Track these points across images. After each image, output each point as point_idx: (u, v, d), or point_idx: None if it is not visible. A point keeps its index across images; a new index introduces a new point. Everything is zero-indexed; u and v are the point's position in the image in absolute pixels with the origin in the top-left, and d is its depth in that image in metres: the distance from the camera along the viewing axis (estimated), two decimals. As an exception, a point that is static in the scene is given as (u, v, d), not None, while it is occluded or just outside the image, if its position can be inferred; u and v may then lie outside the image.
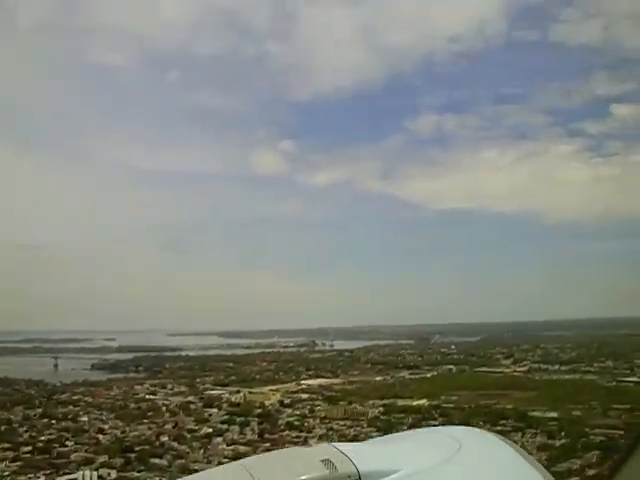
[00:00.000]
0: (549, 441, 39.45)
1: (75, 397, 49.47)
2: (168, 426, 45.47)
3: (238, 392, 51.92)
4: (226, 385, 56.05)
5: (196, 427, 45.36)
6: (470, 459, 2.91)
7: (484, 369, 57.90)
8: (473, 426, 3.35)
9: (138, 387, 54.73)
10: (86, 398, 50.09)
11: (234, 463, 2.81)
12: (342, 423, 44.92)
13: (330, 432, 42.78)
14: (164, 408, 48.56)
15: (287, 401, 49.83)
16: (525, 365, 57.89)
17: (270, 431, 44.56)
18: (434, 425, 4.45)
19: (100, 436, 42.98)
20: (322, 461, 2.76)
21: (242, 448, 39.90)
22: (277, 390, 51.98)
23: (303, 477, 2.64)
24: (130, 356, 68.67)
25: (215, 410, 48.33)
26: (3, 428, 43.67)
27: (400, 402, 48.70)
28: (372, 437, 3.67)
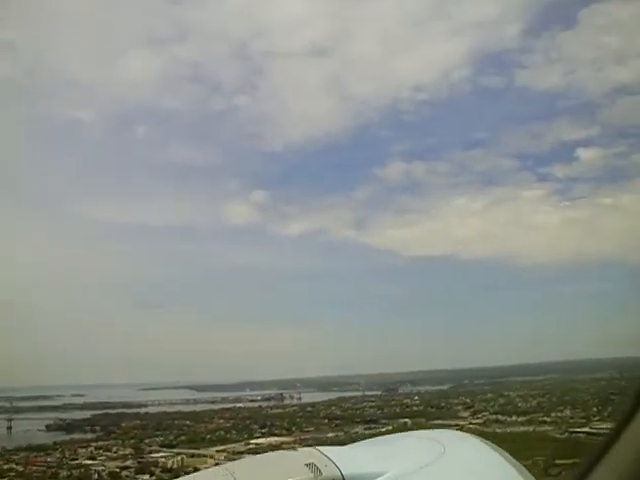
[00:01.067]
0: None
1: (6, 466, 45.55)
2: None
3: (178, 455, 49.53)
4: (174, 447, 53.37)
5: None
6: (454, 462, 2.92)
7: (439, 422, 57.47)
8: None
9: (82, 450, 51.39)
10: (18, 466, 46.47)
11: (218, 467, 2.73)
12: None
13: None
14: (96, 476, 45.48)
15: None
16: (483, 417, 57.72)
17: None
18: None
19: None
20: (306, 465, 2.72)
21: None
22: (224, 450, 49.73)
23: None
24: (89, 414, 65.14)
25: (147, 477, 45.61)
26: None
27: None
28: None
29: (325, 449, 2.84)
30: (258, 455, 2.96)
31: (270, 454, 2.97)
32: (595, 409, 49.84)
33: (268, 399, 70.77)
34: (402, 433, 3.39)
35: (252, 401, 71.20)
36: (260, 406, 68.97)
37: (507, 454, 2.98)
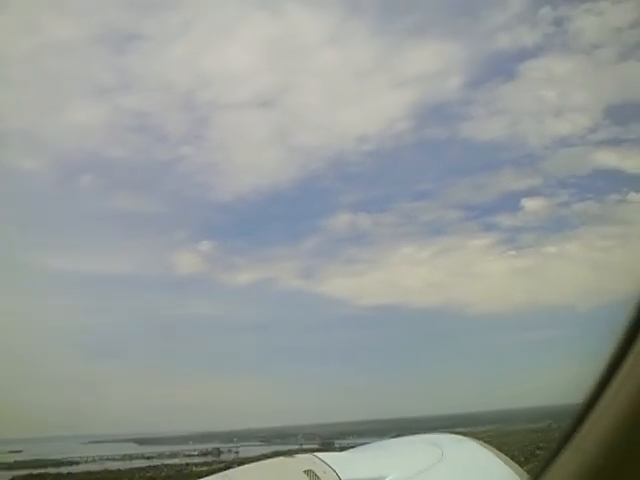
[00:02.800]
0: None
1: None
2: None
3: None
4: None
5: None
6: (453, 465, 2.95)
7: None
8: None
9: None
10: None
11: (218, 475, 2.77)
12: None
13: None
14: None
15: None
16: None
17: None
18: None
19: None
20: (305, 472, 2.75)
21: None
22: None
23: None
24: (9, 475, 61.72)
25: None
26: None
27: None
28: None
29: (324, 455, 2.87)
30: (257, 462, 3.00)
31: (269, 461, 3.00)
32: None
33: (205, 454, 69.00)
34: (400, 438, 3.42)
35: (189, 456, 69.12)
36: (187, 463, 66.39)
37: (505, 457, 3.01)
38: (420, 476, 2.84)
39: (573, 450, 1.04)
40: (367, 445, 3.36)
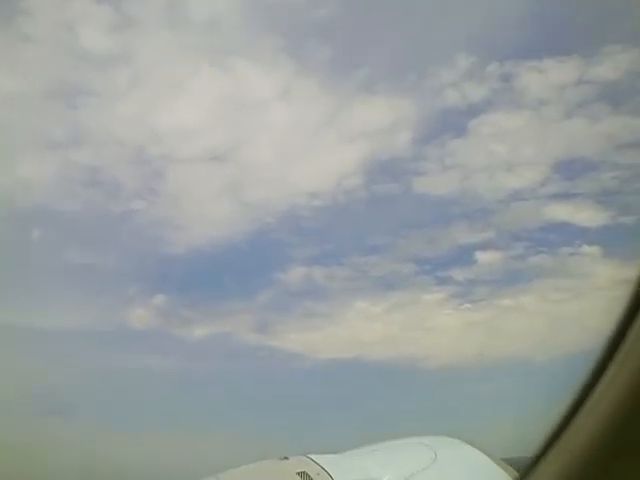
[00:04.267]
0: None
1: None
2: None
3: None
4: None
5: None
6: (446, 468, 2.95)
7: None
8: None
9: None
10: None
11: (210, 477, 2.76)
12: None
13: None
14: None
15: None
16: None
17: None
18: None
19: None
20: (298, 474, 2.75)
21: None
22: None
23: None
24: None
25: None
26: None
27: None
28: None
29: (317, 457, 2.87)
30: (250, 464, 3.00)
31: (262, 463, 3.00)
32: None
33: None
34: (394, 441, 3.42)
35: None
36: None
37: (497, 459, 3.01)
38: (414, 478, 2.85)
39: (560, 450, 1.05)
40: (361, 448, 3.36)
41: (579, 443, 1.03)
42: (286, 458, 2.93)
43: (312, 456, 2.87)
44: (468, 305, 11.04)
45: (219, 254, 12.22)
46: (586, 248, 10.26)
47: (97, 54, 11.33)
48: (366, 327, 11.28)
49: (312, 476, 2.71)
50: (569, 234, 10.63)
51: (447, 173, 11.57)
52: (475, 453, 3.02)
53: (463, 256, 11.31)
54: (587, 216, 10.35)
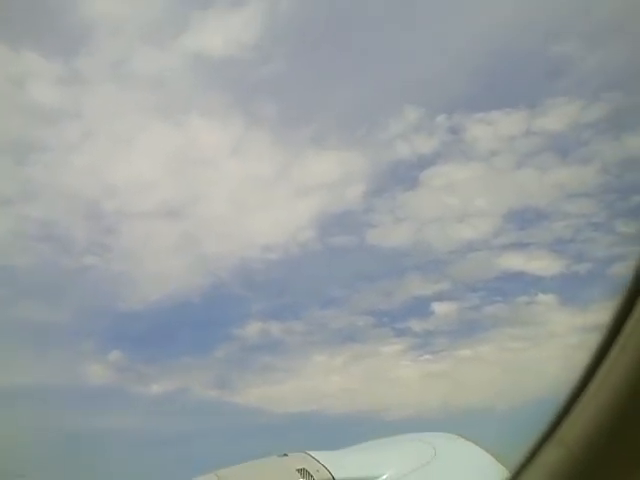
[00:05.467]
0: None
1: None
2: None
3: None
4: None
5: None
6: (446, 463, 2.95)
7: None
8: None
9: None
10: None
11: (210, 474, 2.77)
12: None
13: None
14: None
15: None
16: None
17: None
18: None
19: None
20: (298, 470, 2.75)
21: None
22: None
23: None
24: None
25: None
26: None
27: None
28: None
29: (317, 454, 2.86)
30: (250, 461, 3.00)
31: (262, 460, 3.00)
32: None
33: None
34: (393, 437, 3.42)
35: None
36: None
37: (497, 454, 3.01)
38: (414, 474, 2.84)
39: (555, 444, 1.04)
40: (360, 445, 3.36)
41: (574, 436, 1.03)
42: (285, 455, 2.93)
43: (312, 453, 2.87)
44: (427, 356, 11.06)
45: (175, 309, 12.17)
46: (542, 297, 10.37)
47: (47, 109, 11.37)
48: (325, 380, 11.27)
49: (312, 473, 2.71)
50: (524, 283, 10.73)
51: (400, 225, 11.64)
52: (474, 449, 3.02)
53: (420, 307, 11.32)
54: (541, 265, 10.48)
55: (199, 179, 12.61)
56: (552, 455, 1.05)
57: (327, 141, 12.42)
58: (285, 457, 2.90)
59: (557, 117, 10.59)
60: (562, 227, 10.60)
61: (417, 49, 11.28)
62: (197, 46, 11.22)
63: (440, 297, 11.10)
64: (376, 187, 11.94)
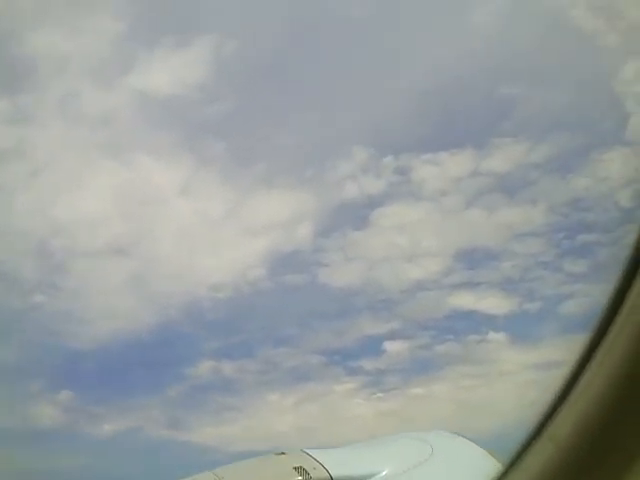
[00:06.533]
0: None
1: None
2: None
3: None
4: None
5: None
6: (443, 461, 2.96)
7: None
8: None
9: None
10: None
11: (206, 472, 2.78)
12: None
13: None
14: None
15: None
16: None
17: None
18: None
19: None
20: (295, 468, 2.76)
21: None
22: None
23: None
24: None
25: None
26: None
27: None
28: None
29: (313, 451, 2.87)
30: (247, 459, 3.00)
31: (259, 458, 3.00)
32: None
33: None
34: (390, 435, 3.43)
35: None
36: None
37: (494, 452, 3.02)
38: (411, 472, 2.85)
39: (547, 438, 1.05)
40: (357, 443, 3.37)
41: (564, 433, 1.04)
42: (283, 453, 2.94)
43: (308, 450, 2.88)
44: (380, 394, 11.07)
45: (125, 348, 12.07)
46: (493, 335, 10.45)
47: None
48: (279, 419, 11.24)
49: (309, 470, 2.72)
50: (475, 322, 10.79)
51: (351, 264, 11.70)
52: (471, 446, 3.03)
53: (371, 346, 11.34)
54: (492, 304, 10.56)
55: (148, 217, 12.60)
56: (544, 450, 1.06)
57: (276, 181, 12.46)
58: (282, 455, 2.91)
59: (504, 158, 10.70)
60: (511, 266, 10.72)
61: (365, 90, 11.35)
62: (144, 85, 11.19)
63: (392, 336, 11.17)
64: (326, 226, 11.97)
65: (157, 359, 12.53)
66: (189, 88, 11.26)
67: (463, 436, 3.18)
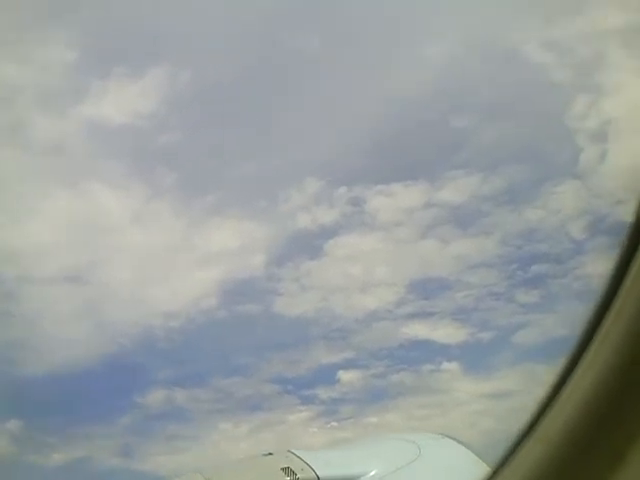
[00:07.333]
0: None
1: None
2: None
3: None
4: None
5: None
6: (431, 462, 2.95)
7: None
8: None
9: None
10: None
11: (193, 473, 2.75)
12: None
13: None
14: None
15: None
16: None
17: None
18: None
19: None
20: (282, 469, 2.74)
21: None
22: None
23: None
24: None
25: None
26: None
27: None
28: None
29: (301, 453, 2.85)
30: (234, 460, 2.98)
31: (246, 458, 2.98)
32: None
33: None
34: (378, 436, 3.42)
35: None
36: None
37: (481, 453, 3.02)
38: (398, 473, 2.84)
39: (536, 439, 1.04)
40: (345, 443, 3.36)
41: (555, 432, 1.03)
42: (270, 454, 2.92)
43: (296, 451, 2.86)
44: (334, 423, 11.11)
45: (76, 376, 11.96)
46: (446, 364, 10.58)
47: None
48: (232, 448, 11.23)
49: (296, 471, 2.71)
50: (429, 351, 10.90)
51: (305, 294, 11.78)
52: (458, 447, 3.03)
53: (326, 375, 11.39)
54: (445, 334, 10.70)
55: (101, 246, 12.53)
56: (533, 451, 1.05)
57: (228, 211, 12.45)
58: (270, 456, 2.89)
59: (457, 190, 10.81)
60: (464, 296, 10.83)
61: (318, 122, 11.39)
62: (96, 114, 11.08)
63: (346, 365, 11.20)
64: (280, 256, 11.98)
65: (109, 387, 12.44)
66: (141, 118, 11.22)
67: (451, 438, 3.18)
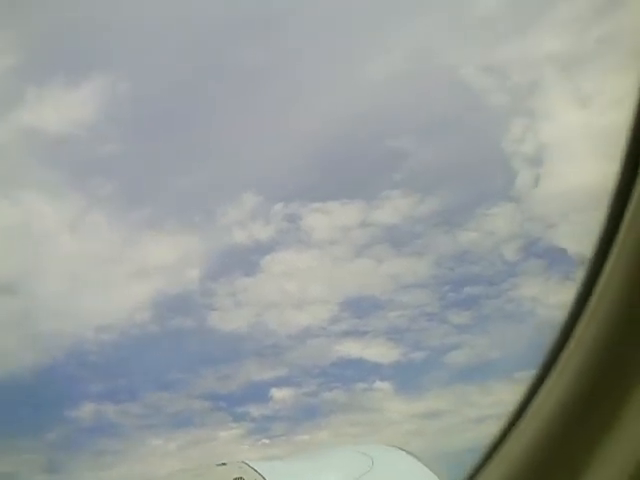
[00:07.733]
0: None
1: None
2: None
3: None
4: None
5: None
6: (383, 474, 2.98)
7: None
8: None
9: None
10: None
11: (145, 482, 2.69)
12: None
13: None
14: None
15: None
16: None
17: None
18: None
19: None
20: (235, 479, 2.72)
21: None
22: None
23: None
24: None
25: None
26: None
27: None
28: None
29: (255, 463, 2.83)
30: (187, 468, 2.93)
31: (199, 467, 2.94)
32: None
33: None
34: (331, 448, 3.43)
35: None
36: None
37: (431, 466, 3.08)
38: None
39: (499, 459, 1.07)
40: (299, 455, 3.35)
41: (520, 451, 1.05)
42: (224, 464, 2.89)
43: (249, 462, 2.84)
44: (265, 441, 11.16)
45: (4, 389, 11.67)
46: (379, 383, 10.83)
47: None
48: (161, 464, 11.11)
49: (249, 482, 2.68)
50: (362, 370, 11.09)
51: (239, 309, 11.84)
52: (411, 460, 3.08)
53: (258, 392, 11.39)
54: (378, 352, 10.93)
55: (34, 255, 12.29)
56: (496, 472, 1.07)
57: (164, 224, 12.33)
58: (223, 466, 2.86)
59: (393, 209, 10.88)
60: (398, 316, 10.99)
61: (255, 138, 11.37)
62: (32, 122, 10.85)
63: (278, 382, 11.18)
64: (215, 271, 11.90)
65: (37, 400, 11.95)
66: (79, 127, 10.96)
67: (402, 450, 3.22)
